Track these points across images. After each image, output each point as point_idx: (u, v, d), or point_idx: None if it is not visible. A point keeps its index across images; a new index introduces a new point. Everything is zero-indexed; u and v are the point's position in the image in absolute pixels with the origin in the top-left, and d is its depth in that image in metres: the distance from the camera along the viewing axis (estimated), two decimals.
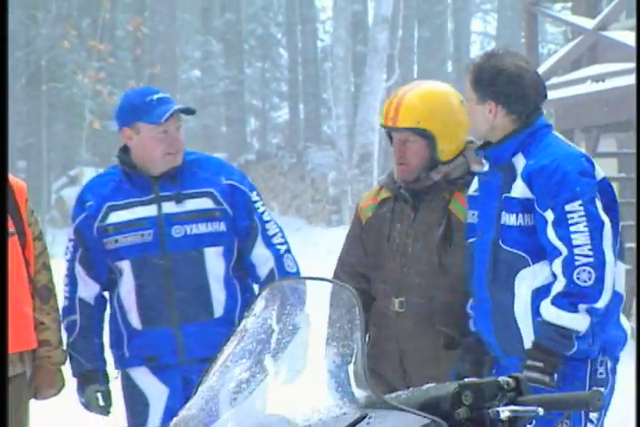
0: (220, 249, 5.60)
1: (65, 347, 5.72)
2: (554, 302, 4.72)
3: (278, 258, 5.68)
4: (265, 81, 46.05)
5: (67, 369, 5.84)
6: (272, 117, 47.36)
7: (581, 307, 4.69)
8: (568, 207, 4.76)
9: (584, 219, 4.74)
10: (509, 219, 4.90)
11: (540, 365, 4.69)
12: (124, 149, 5.75)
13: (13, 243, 5.62)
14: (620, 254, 4.94)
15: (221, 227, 5.60)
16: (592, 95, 14.92)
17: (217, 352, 3.28)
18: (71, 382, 5.81)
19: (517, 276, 4.88)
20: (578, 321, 4.70)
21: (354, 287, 4.43)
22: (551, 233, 4.78)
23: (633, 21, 16.26)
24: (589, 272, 4.70)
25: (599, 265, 4.70)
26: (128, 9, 37.08)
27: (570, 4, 17.35)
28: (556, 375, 4.73)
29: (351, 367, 3.13)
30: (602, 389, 4.70)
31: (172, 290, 5.52)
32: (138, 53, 33.82)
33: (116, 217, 5.61)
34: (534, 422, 4.50)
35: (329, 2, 32.25)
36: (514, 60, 5.03)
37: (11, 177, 5.79)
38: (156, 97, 5.70)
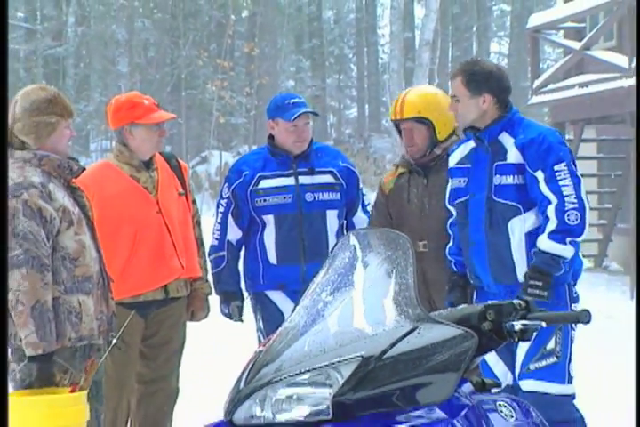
0: (335, 212, 5.73)
1: (212, 275, 5.80)
2: (549, 237, 4.75)
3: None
4: (340, 88, 45.93)
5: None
6: (345, 114, 47.22)
7: (568, 240, 4.75)
8: (556, 168, 4.83)
9: (568, 176, 4.81)
10: (506, 179, 4.90)
11: (540, 283, 4.71)
12: (271, 136, 5.85)
13: (182, 201, 5.74)
14: None
15: (337, 196, 5.73)
16: (579, 97, 14.78)
17: None
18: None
19: (510, 221, 4.89)
20: (566, 251, 4.76)
21: None
22: (544, 187, 4.82)
23: (610, 43, 16.08)
24: (576, 215, 4.77)
25: (582, 209, 4.78)
26: (243, 36, 37.01)
27: (562, 32, 17.13)
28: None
29: (406, 293, 3.11)
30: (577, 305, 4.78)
31: (302, 237, 5.64)
32: (251, 68, 33.76)
33: (265, 184, 5.70)
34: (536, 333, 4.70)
35: (387, 31, 32.06)
36: (491, 64, 5.21)
37: (180, 160, 5.95)
38: (292, 101, 5.80)
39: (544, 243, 4.77)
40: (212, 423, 3.08)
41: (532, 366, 4.77)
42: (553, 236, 4.76)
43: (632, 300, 13.02)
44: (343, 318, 3.07)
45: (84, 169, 4.83)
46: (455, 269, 5.14)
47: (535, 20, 16.93)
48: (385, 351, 2.92)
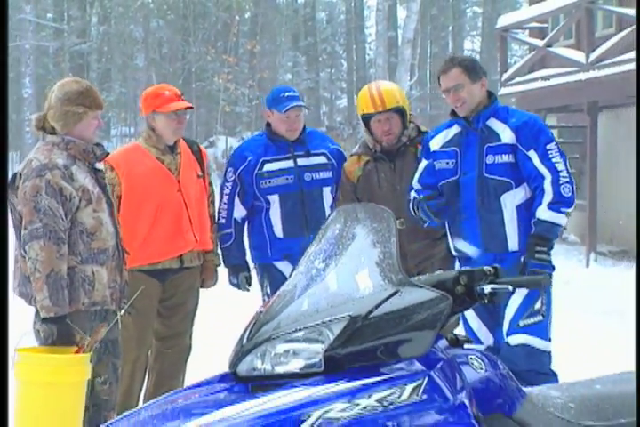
0: (329, 188, 5.75)
1: (220, 250, 5.86)
2: (549, 208, 4.76)
3: None
4: (332, 81, 45.85)
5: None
6: (336, 104, 47.11)
7: (563, 210, 4.78)
8: (548, 147, 4.85)
9: (558, 154, 4.84)
10: (500, 158, 4.89)
11: (544, 249, 4.74)
12: (268, 123, 5.87)
13: (200, 182, 5.79)
14: None
15: (330, 175, 5.74)
16: (541, 89, 14.76)
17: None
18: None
19: (503, 196, 4.89)
20: (562, 219, 4.80)
21: None
22: (538, 164, 4.82)
23: (569, 41, 16.04)
24: (569, 187, 4.80)
25: (572, 183, 4.82)
26: (246, 35, 36.87)
27: (527, 31, 17.09)
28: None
29: (389, 260, 3.11)
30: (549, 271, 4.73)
31: (304, 213, 5.66)
32: (253, 63, 33.66)
33: (268, 167, 5.70)
34: (526, 295, 4.78)
35: (373, 30, 32.00)
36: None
37: (201, 146, 6.04)
38: (287, 95, 5.80)
39: (544, 213, 4.78)
40: (218, 375, 3.09)
41: (521, 323, 4.79)
42: (551, 206, 4.77)
43: (587, 268, 13.08)
44: (334, 283, 3.07)
45: (108, 154, 4.88)
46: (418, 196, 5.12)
47: (503, 20, 16.89)
48: (370, 311, 2.92)
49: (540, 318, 4.82)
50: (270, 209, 5.75)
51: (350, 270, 3.10)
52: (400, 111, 5.44)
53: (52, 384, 4.38)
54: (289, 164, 5.72)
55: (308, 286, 3.08)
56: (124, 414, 3.05)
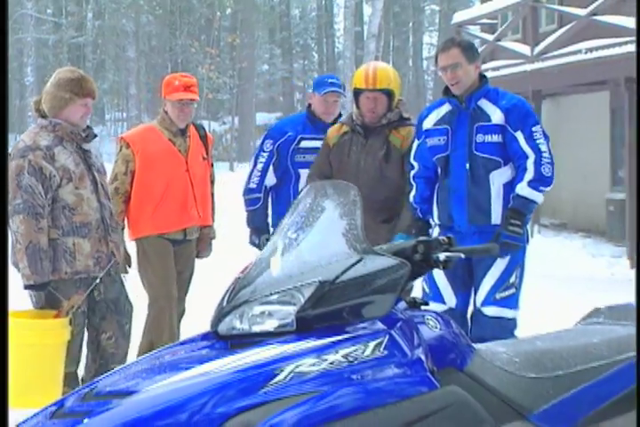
0: None
1: (246, 212, 5.85)
2: (529, 185, 4.64)
3: None
4: (305, 71, 45.69)
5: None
6: (309, 92, 47.17)
7: (542, 188, 4.66)
8: (534, 129, 4.71)
9: (542, 135, 4.71)
10: (490, 138, 4.75)
11: (518, 222, 4.64)
12: (309, 105, 5.86)
13: (205, 164, 5.80)
14: None
15: None
16: (492, 78, 14.68)
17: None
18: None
19: (491, 173, 4.76)
20: (539, 197, 4.67)
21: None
22: (524, 144, 4.68)
23: (516, 36, 16.05)
24: (549, 167, 4.68)
25: (553, 164, 4.70)
26: (227, 29, 36.66)
27: (479, 27, 17.08)
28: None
29: (354, 231, 3.11)
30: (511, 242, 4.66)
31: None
32: (233, 55, 33.51)
33: (305, 144, 5.68)
34: (503, 269, 4.75)
35: (341, 25, 31.93)
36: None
37: (207, 132, 5.99)
38: (329, 81, 5.81)
39: (523, 190, 4.66)
40: (201, 333, 3.09)
41: (497, 296, 4.71)
42: (531, 184, 4.65)
43: (532, 238, 13.11)
44: (304, 251, 3.07)
45: (96, 135, 4.84)
46: (420, 216, 4.98)
47: (458, 17, 16.88)
48: (337, 277, 2.92)
49: (513, 290, 4.75)
50: (299, 181, 5.70)
51: (319, 240, 3.10)
52: (388, 93, 5.23)
53: (35, 345, 4.43)
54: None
55: (281, 254, 3.07)
56: (117, 368, 3.05)
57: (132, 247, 5.65)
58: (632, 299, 3.86)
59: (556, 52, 12.99)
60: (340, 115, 5.88)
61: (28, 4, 32.44)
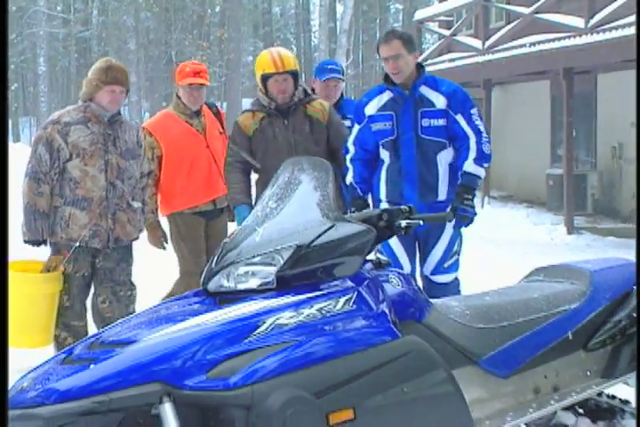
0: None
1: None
2: (474, 163, 4.55)
3: None
4: None
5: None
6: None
7: (484, 165, 4.59)
8: (472, 111, 4.60)
9: (479, 118, 4.62)
10: (436, 122, 4.59)
11: (470, 197, 4.55)
12: (313, 89, 5.65)
13: (221, 138, 5.63)
14: None
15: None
16: (449, 69, 14.74)
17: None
18: None
19: (439, 154, 4.63)
20: (482, 172, 4.60)
21: (244, 171, 4.96)
22: (465, 126, 4.57)
23: (470, 31, 15.99)
24: (488, 146, 4.60)
25: (490, 142, 4.62)
26: (216, 25, 36.32)
27: (437, 23, 17.01)
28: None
29: (327, 201, 3.09)
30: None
31: None
32: (222, 47, 33.26)
33: None
34: (448, 240, 4.66)
35: (317, 22, 31.77)
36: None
37: (219, 108, 5.83)
38: (329, 67, 5.69)
39: (470, 167, 4.56)
40: (192, 291, 3.09)
41: (446, 265, 4.66)
42: (475, 161, 4.56)
43: (482, 208, 13.18)
44: (283, 219, 3.05)
45: (117, 120, 4.75)
46: (360, 195, 4.79)
47: (419, 14, 16.81)
48: (312, 241, 2.91)
49: (456, 257, 4.71)
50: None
51: (296, 209, 3.08)
52: (294, 74, 4.91)
53: (27, 295, 4.48)
54: None
55: (263, 221, 3.06)
56: (119, 320, 3.04)
57: (165, 224, 5.57)
58: (567, 260, 3.89)
59: (504, 46, 12.98)
60: (341, 96, 5.71)
61: (41, 2, 31.96)
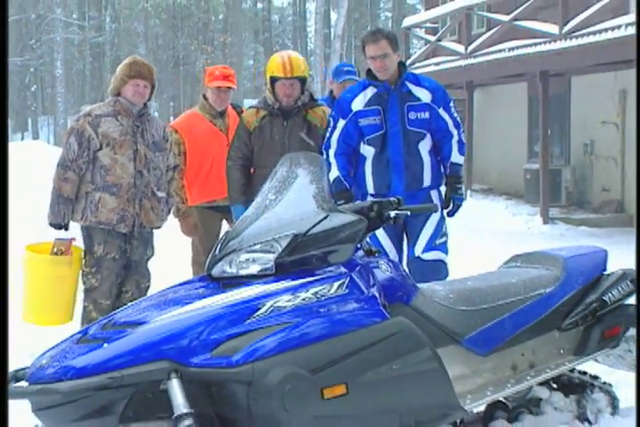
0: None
1: None
2: (459, 153, 4.55)
3: None
4: None
5: None
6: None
7: (464, 153, 4.59)
8: (451, 104, 4.56)
9: (455, 111, 4.56)
10: (422, 115, 4.49)
11: (460, 185, 4.56)
12: (331, 90, 5.66)
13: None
14: None
15: None
16: (434, 72, 14.69)
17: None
18: None
19: (419, 144, 4.53)
20: (463, 160, 4.62)
21: (244, 168, 4.83)
22: (447, 119, 4.52)
23: (454, 37, 15.95)
24: (464, 137, 4.62)
25: (465, 133, 4.61)
26: (220, 31, 36.21)
27: (424, 29, 16.95)
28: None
29: (322, 193, 3.08)
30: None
31: None
32: (225, 52, 33.15)
33: None
34: (436, 222, 4.56)
35: (313, 28, 31.71)
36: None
37: (244, 108, 5.63)
38: (345, 69, 5.65)
39: (457, 157, 4.55)
40: (198, 276, 3.08)
41: (437, 242, 4.52)
42: (460, 152, 4.55)
43: (465, 200, 13.13)
44: (282, 210, 3.04)
45: (144, 113, 4.67)
46: (347, 187, 4.60)
47: (407, 21, 16.74)
48: (308, 230, 2.90)
49: (445, 238, 4.61)
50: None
51: (293, 201, 3.07)
52: (302, 80, 4.78)
53: (39, 275, 4.48)
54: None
55: (263, 212, 3.05)
56: (130, 303, 3.04)
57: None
58: (543, 248, 3.89)
59: (485, 51, 12.95)
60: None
61: (58, 10, 31.75)
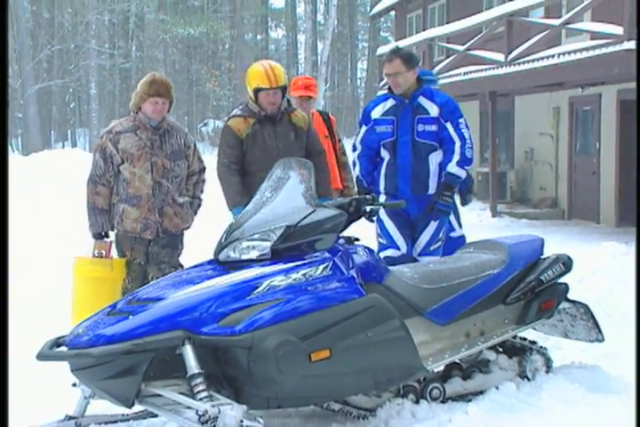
0: None
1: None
2: (457, 164, 4.19)
3: None
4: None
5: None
6: None
7: (466, 167, 4.24)
8: (460, 120, 4.25)
9: (465, 126, 4.26)
10: (430, 127, 4.22)
11: (449, 193, 4.24)
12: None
13: (327, 141, 5.18)
14: None
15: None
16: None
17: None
18: None
19: (430, 155, 4.28)
20: (463, 174, 4.24)
21: (238, 173, 4.33)
22: (452, 132, 4.21)
23: (420, 64, 15.90)
24: (470, 151, 4.23)
25: (473, 148, 4.26)
26: (226, 58, 36.05)
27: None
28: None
29: (310, 192, 3.07)
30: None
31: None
32: (230, 75, 33.06)
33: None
34: (435, 227, 4.29)
35: (303, 56, 31.62)
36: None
37: (330, 115, 5.29)
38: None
39: (452, 168, 4.17)
40: (207, 260, 3.05)
41: (431, 248, 4.29)
42: (458, 164, 4.19)
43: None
44: (276, 205, 3.03)
45: (159, 128, 4.29)
46: (365, 186, 4.42)
47: (381, 50, 16.68)
48: (299, 222, 2.90)
49: (440, 243, 4.31)
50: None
51: (286, 198, 3.06)
52: (284, 88, 4.37)
53: (93, 279, 4.16)
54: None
55: (261, 207, 3.04)
56: (151, 282, 3.02)
57: None
58: (491, 236, 3.88)
59: (444, 74, 12.94)
60: None
61: (92, 41, 31.62)
